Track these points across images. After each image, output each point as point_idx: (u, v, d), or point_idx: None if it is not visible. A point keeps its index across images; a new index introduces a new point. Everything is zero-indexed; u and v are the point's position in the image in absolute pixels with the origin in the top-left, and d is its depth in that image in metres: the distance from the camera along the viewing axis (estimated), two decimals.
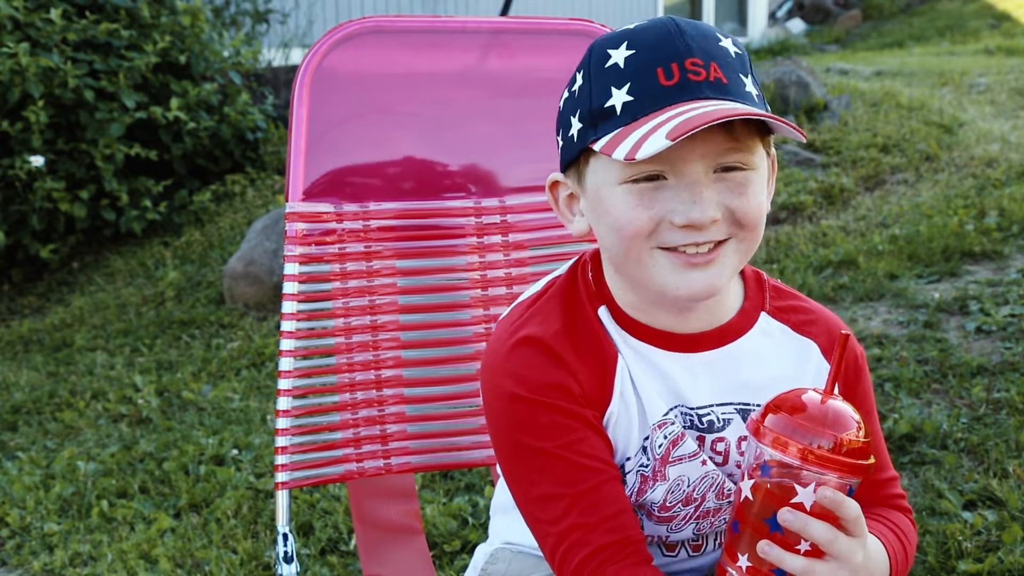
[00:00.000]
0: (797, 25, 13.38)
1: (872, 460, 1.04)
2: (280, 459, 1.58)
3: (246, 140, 6.13)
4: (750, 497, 1.05)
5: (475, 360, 1.67)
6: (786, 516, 1.02)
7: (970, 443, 2.74)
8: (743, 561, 1.05)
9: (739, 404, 1.23)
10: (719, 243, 1.12)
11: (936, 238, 4.15)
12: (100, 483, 3.17)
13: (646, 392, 1.20)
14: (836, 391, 1.08)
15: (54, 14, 5.12)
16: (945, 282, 3.87)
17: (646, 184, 1.11)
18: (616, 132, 1.09)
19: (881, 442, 1.31)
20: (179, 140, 5.67)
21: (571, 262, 1.29)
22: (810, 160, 5.33)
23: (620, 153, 1.06)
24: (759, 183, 1.13)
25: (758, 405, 1.22)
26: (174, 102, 5.43)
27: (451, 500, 2.84)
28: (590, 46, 1.17)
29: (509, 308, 1.28)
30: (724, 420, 1.23)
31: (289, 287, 1.59)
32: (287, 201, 1.60)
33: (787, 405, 1.05)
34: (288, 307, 1.59)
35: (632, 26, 1.14)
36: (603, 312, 1.22)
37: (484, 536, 1.77)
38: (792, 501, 1.02)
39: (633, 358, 1.21)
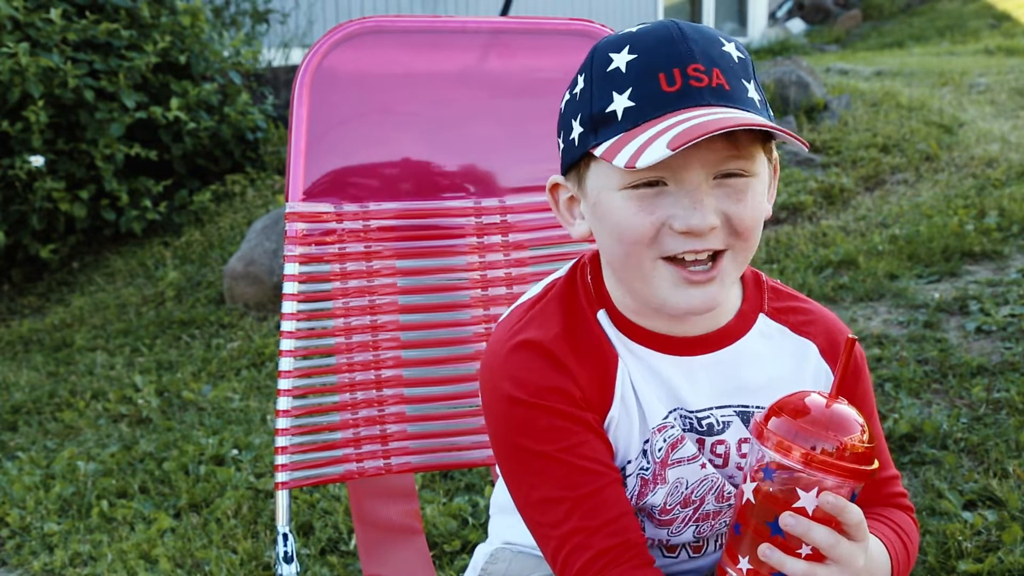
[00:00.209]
0: (797, 25, 13.38)
1: (876, 465, 1.04)
2: (280, 459, 1.58)
3: (246, 140, 6.13)
4: (752, 500, 1.05)
5: (475, 360, 1.67)
6: (788, 520, 1.01)
7: (970, 443, 2.74)
8: (744, 563, 1.05)
9: (738, 406, 1.23)
10: (718, 255, 1.12)
11: (936, 238, 4.15)
12: (100, 483, 3.17)
13: (646, 396, 1.20)
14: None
15: (54, 14, 5.12)
16: (945, 282, 3.87)
17: (646, 190, 1.10)
18: (617, 138, 1.08)
19: (882, 441, 1.31)
20: (179, 140, 5.67)
21: (570, 264, 1.29)
22: (810, 160, 5.33)
23: (621, 160, 1.05)
24: (759, 189, 1.13)
25: (758, 407, 1.21)
26: (174, 102, 5.43)
27: (451, 500, 2.84)
28: (592, 48, 1.16)
29: (508, 311, 1.27)
30: (724, 423, 1.23)
31: (289, 287, 1.59)
32: (287, 201, 1.60)
33: (791, 408, 1.04)
34: (288, 307, 1.59)
35: (635, 29, 1.14)
36: (602, 316, 1.22)
37: (484, 536, 1.77)
38: (794, 505, 1.02)
39: (632, 362, 1.20)
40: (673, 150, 1.01)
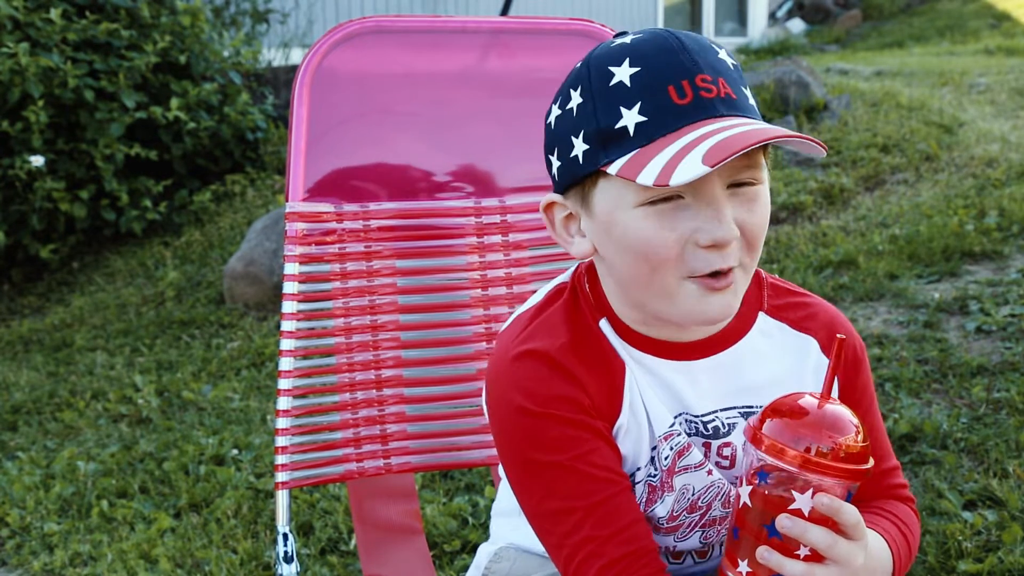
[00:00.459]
0: (797, 25, 13.38)
1: (871, 464, 1.03)
2: (280, 459, 1.58)
3: (246, 140, 6.13)
4: (748, 503, 1.05)
5: (475, 360, 1.67)
6: (784, 523, 1.01)
7: (970, 443, 2.74)
8: (743, 567, 1.05)
9: (743, 407, 1.23)
10: (732, 267, 1.12)
11: (936, 238, 4.15)
12: (100, 483, 3.17)
13: (652, 403, 1.20)
14: (835, 393, 1.07)
15: (54, 14, 5.12)
16: (945, 282, 3.87)
17: (665, 205, 1.08)
18: (633, 154, 1.06)
19: (883, 432, 1.31)
20: (179, 140, 5.68)
21: (570, 272, 1.27)
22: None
23: (647, 178, 1.03)
24: (765, 196, 1.13)
25: (761, 407, 1.22)
26: (174, 102, 5.44)
27: (451, 500, 2.84)
28: (586, 62, 1.14)
29: (509, 321, 1.26)
30: (729, 425, 1.23)
31: (289, 287, 1.59)
32: (287, 201, 1.60)
33: (784, 410, 1.04)
34: (288, 307, 1.59)
35: (628, 40, 1.12)
36: (604, 324, 1.21)
37: (484, 536, 1.77)
38: (790, 507, 1.01)
39: (638, 369, 1.20)
40: (712, 167, 0.99)
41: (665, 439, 1.20)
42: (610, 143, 1.09)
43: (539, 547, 1.23)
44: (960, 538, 2.32)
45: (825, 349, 1.26)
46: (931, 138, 5.41)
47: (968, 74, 7.37)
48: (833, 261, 4.15)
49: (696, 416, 1.22)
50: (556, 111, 1.16)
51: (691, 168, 1.01)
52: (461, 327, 1.67)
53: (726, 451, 1.23)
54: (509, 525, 1.43)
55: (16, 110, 5.19)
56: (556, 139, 1.16)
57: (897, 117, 5.82)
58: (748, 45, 11.76)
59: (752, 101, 1.12)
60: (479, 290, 1.68)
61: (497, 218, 1.69)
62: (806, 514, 1.01)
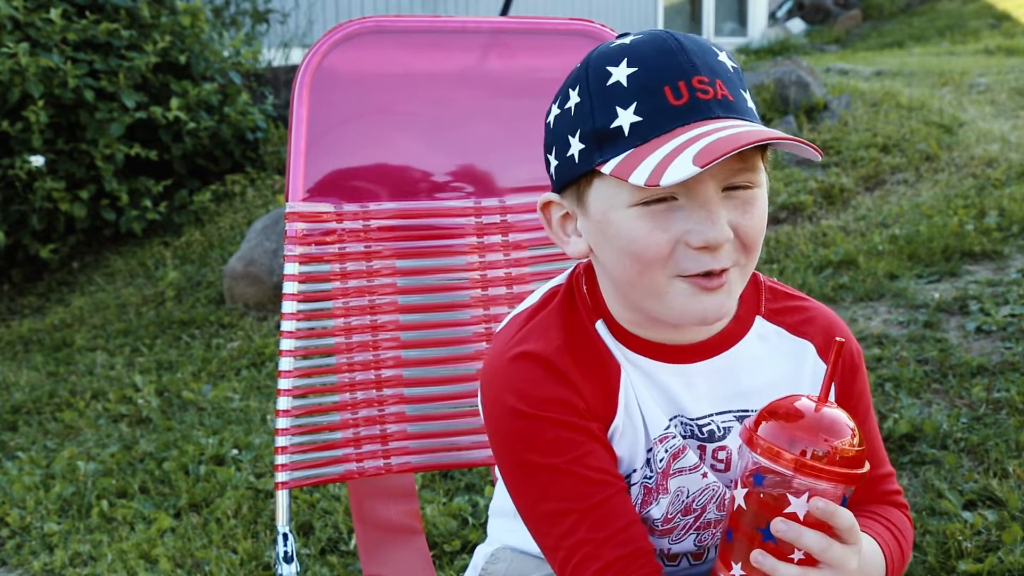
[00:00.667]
0: (797, 25, 13.39)
1: (866, 468, 1.03)
2: (280, 459, 1.58)
3: (246, 140, 6.13)
4: (743, 506, 1.04)
5: (475, 360, 1.67)
6: (779, 526, 1.01)
7: (970, 443, 2.74)
8: (737, 570, 1.05)
9: (738, 411, 1.23)
10: (725, 268, 1.11)
11: (936, 238, 4.15)
12: (100, 483, 3.17)
13: (647, 405, 1.20)
14: (832, 397, 1.07)
15: (54, 14, 5.12)
16: (945, 282, 3.87)
17: (658, 206, 1.09)
18: (627, 154, 1.07)
19: (878, 438, 1.31)
20: (179, 140, 5.68)
21: (567, 273, 1.27)
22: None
23: (639, 177, 1.03)
24: (762, 199, 1.12)
25: (757, 411, 1.22)
26: (174, 102, 5.44)
27: (451, 500, 2.84)
28: (584, 62, 1.14)
29: (505, 322, 1.26)
30: (724, 429, 1.23)
31: (289, 287, 1.59)
32: (287, 201, 1.60)
33: (780, 413, 1.04)
34: (288, 307, 1.59)
35: (627, 40, 1.12)
36: (600, 326, 1.21)
37: (484, 536, 1.77)
38: (785, 511, 1.01)
39: (633, 372, 1.20)
40: (702, 167, 0.99)
41: (660, 441, 1.20)
42: (605, 143, 1.09)
43: (535, 548, 1.23)
44: (960, 538, 2.32)
45: (822, 354, 1.25)
46: (931, 138, 5.41)
47: (968, 74, 7.37)
48: (833, 261, 4.15)
49: (691, 419, 1.22)
50: (555, 110, 1.17)
51: (681, 169, 1.01)
52: (461, 327, 1.67)
53: (721, 455, 1.23)
54: (505, 526, 1.43)
55: (16, 110, 5.19)
56: (554, 138, 1.16)
57: (897, 117, 5.82)
58: (748, 45, 11.76)
59: (751, 104, 1.12)
60: (479, 290, 1.68)
61: (497, 218, 1.69)
62: (801, 518, 1.01)
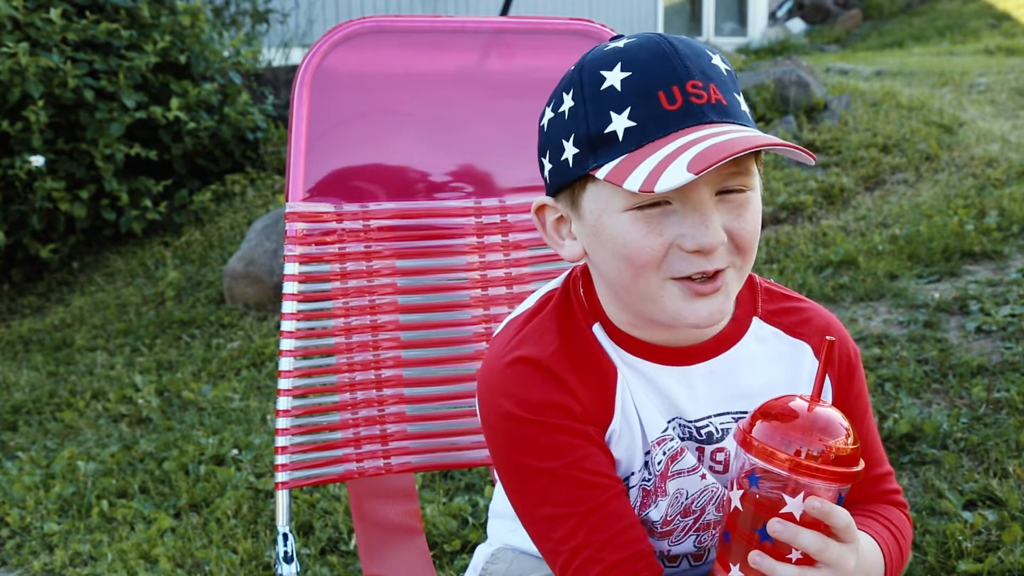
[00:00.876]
0: (797, 25, 13.39)
1: (862, 466, 1.03)
2: (280, 459, 1.58)
3: (246, 140, 6.14)
4: (739, 507, 1.04)
5: (475, 360, 1.67)
6: (775, 527, 1.01)
7: (970, 443, 2.74)
8: (735, 571, 1.05)
9: (736, 413, 1.23)
10: (720, 270, 1.11)
11: (936, 238, 4.15)
12: (100, 483, 3.17)
13: (645, 408, 1.20)
14: (828, 397, 1.07)
15: (54, 14, 5.12)
16: (945, 282, 3.87)
17: (652, 210, 1.09)
18: (621, 159, 1.07)
19: (876, 438, 1.31)
20: (179, 140, 5.68)
21: (563, 277, 1.27)
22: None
23: (634, 184, 1.03)
24: (756, 203, 1.12)
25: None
26: (174, 102, 5.44)
27: (451, 500, 2.84)
28: (579, 65, 1.14)
29: (502, 325, 1.26)
30: (722, 430, 1.23)
31: (289, 287, 1.59)
32: (287, 201, 1.60)
33: (774, 413, 1.04)
34: (288, 307, 1.59)
35: (621, 44, 1.12)
36: (597, 329, 1.21)
37: (484, 536, 1.77)
38: (781, 511, 1.01)
39: (630, 374, 1.20)
40: (697, 174, 0.99)
41: (658, 444, 1.20)
42: (599, 147, 1.09)
43: (536, 548, 1.23)
44: (960, 538, 2.32)
45: (819, 354, 1.24)
46: (931, 138, 5.41)
47: (968, 74, 7.37)
48: (833, 261, 4.15)
49: (689, 421, 1.22)
50: (549, 114, 1.17)
51: (676, 175, 1.01)
52: (461, 327, 1.67)
53: (720, 456, 1.23)
54: (505, 527, 1.43)
55: (16, 110, 5.19)
56: (548, 142, 1.16)
57: (897, 117, 5.82)
58: (748, 45, 11.76)
59: (744, 107, 1.12)
60: (479, 290, 1.68)
61: (497, 218, 1.69)
62: (797, 518, 1.01)
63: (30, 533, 2.97)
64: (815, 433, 1.01)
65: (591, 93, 1.10)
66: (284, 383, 1.58)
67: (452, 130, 1.67)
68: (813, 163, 1.09)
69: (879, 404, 2.99)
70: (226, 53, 6.10)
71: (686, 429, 1.22)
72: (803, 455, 1.00)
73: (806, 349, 1.25)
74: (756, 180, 1.13)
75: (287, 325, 1.59)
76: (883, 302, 3.77)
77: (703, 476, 1.22)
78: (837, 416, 1.04)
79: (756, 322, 1.25)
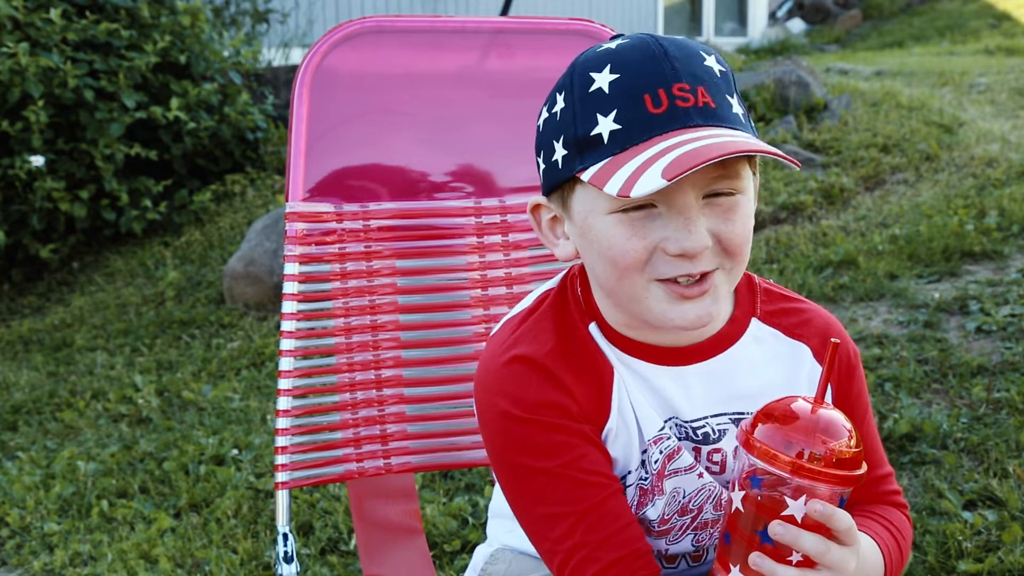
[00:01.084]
0: (797, 25, 13.39)
1: (864, 469, 1.03)
2: (280, 459, 1.58)
3: (246, 140, 6.13)
4: (741, 508, 1.04)
5: (475, 360, 1.67)
6: (777, 529, 1.01)
7: (970, 443, 2.74)
8: (735, 572, 1.04)
9: (734, 414, 1.23)
10: (707, 272, 1.11)
11: (936, 238, 4.15)
12: (100, 483, 3.17)
13: (641, 407, 1.19)
14: (828, 398, 1.06)
15: (54, 14, 5.12)
16: (945, 282, 3.87)
17: (636, 213, 1.09)
18: (605, 162, 1.07)
19: (876, 439, 1.31)
20: (179, 140, 5.68)
21: (560, 276, 1.27)
22: (810, 160, 5.33)
23: (613, 187, 1.04)
24: (746, 206, 1.12)
25: (753, 413, 1.21)
26: (174, 102, 5.44)
27: (451, 500, 2.84)
28: (571, 66, 1.14)
29: (499, 325, 1.26)
30: (719, 431, 1.22)
31: (289, 287, 1.59)
32: (287, 201, 1.60)
33: (777, 415, 1.03)
34: (288, 307, 1.59)
35: (614, 45, 1.12)
36: (593, 328, 1.21)
37: (484, 536, 1.78)
38: (783, 513, 1.01)
39: (627, 374, 1.20)
40: (670, 180, 0.99)
41: (655, 443, 1.20)
42: (586, 149, 1.09)
43: (535, 549, 1.23)
44: (960, 538, 2.32)
45: (818, 356, 1.24)
46: (931, 138, 5.41)
47: (968, 74, 7.37)
48: (833, 261, 4.15)
49: (686, 422, 1.21)
50: (544, 114, 1.17)
51: (651, 181, 1.01)
52: (461, 327, 1.67)
53: (716, 457, 1.23)
54: (504, 527, 1.43)
55: (16, 110, 5.19)
56: (542, 142, 1.17)
57: (897, 117, 5.82)
58: (748, 45, 11.76)
59: (738, 109, 1.10)
60: (479, 290, 1.68)
61: (497, 218, 1.69)
62: (799, 520, 1.00)
63: (30, 533, 2.97)
64: (817, 435, 1.01)
65: (580, 95, 1.10)
66: (284, 383, 1.58)
67: (452, 130, 1.67)
68: (798, 168, 1.09)
69: (879, 404, 2.99)
70: (226, 53, 6.10)
71: (682, 429, 1.22)
72: (805, 457, 1.00)
73: (805, 351, 1.25)
74: (747, 183, 1.12)
75: (287, 325, 1.59)
76: (883, 302, 3.77)
77: (700, 475, 1.22)
78: (840, 418, 1.03)
79: (755, 323, 1.24)
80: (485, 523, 2.63)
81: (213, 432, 3.46)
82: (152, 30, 5.57)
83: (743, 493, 1.04)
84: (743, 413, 1.22)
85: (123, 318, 4.87)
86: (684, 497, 1.22)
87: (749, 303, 1.25)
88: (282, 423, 1.58)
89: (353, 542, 2.69)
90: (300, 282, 1.60)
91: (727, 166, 1.07)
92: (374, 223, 1.63)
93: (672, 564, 1.29)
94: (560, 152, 1.12)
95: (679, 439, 1.21)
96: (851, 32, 12.90)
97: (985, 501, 2.50)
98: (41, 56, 5.04)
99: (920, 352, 3.29)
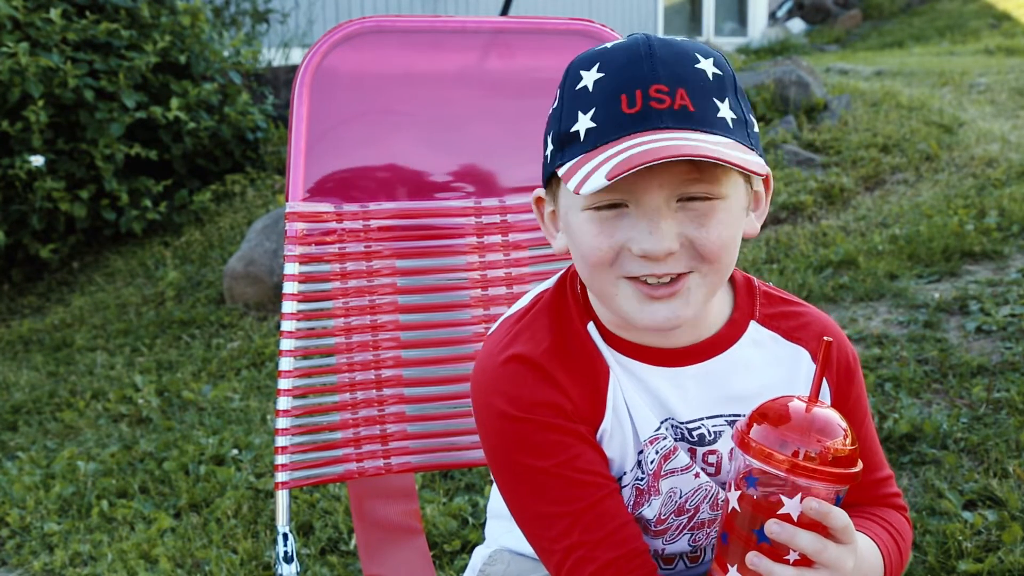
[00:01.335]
0: (797, 25, 13.39)
1: (860, 467, 1.03)
2: (280, 459, 1.58)
3: (246, 140, 6.13)
4: (737, 508, 1.04)
5: (475, 360, 1.67)
6: (773, 528, 1.01)
7: (970, 443, 2.74)
8: (733, 572, 1.05)
9: (730, 416, 1.22)
10: (681, 274, 1.10)
11: (936, 238, 4.15)
12: (100, 483, 3.17)
13: (637, 407, 1.19)
14: (827, 398, 1.06)
15: (54, 14, 5.12)
16: (945, 282, 3.87)
17: (608, 212, 1.09)
18: (577, 159, 1.07)
19: (876, 442, 1.30)
20: (179, 140, 5.68)
21: (558, 276, 1.28)
22: (810, 160, 5.33)
23: (572, 184, 1.05)
24: (726, 213, 1.09)
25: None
26: (174, 102, 5.44)
27: (451, 500, 2.84)
28: (569, 64, 1.15)
29: (496, 324, 1.26)
30: (715, 433, 1.22)
31: (289, 287, 1.59)
32: (287, 201, 1.60)
33: (772, 415, 1.03)
34: (288, 307, 1.59)
35: (609, 45, 1.12)
36: (591, 328, 1.21)
37: (484, 536, 1.78)
38: (779, 512, 1.01)
39: (622, 374, 1.20)
40: (610, 180, 1.00)
41: (651, 443, 1.20)
42: (566, 146, 1.11)
43: (532, 552, 1.23)
44: (960, 538, 2.32)
45: (816, 359, 1.24)
46: (931, 138, 5.41)
47: (968, 74, 7.37)
48: (833, 261, 4.15)
49: (681, 423, 1.21)
50: (549, 111, 1.19)
51: (598, 180, 1.01)
52: (461, 327, 1.67)
53: (711, 459, 1.23)
54: (502, 527, 1.43)
55: (16, 110, 5.19)
56: (545, 137, 1.19)
57: (897, 117, 5.82)
58: (748, 45, 11.76)
59: (725, 114, 1.08)
60: (479, 290, 1.68)
61: (497, 218, 1.69)
62: (795, 519, 1.01)
63: (30, 533, 2.97)
64: (813, 434, 1.01)
65: (568, 93, 1.12)
66: (284, 383, 1.58)
67: (452, 130, 1.67)
68: (762, 175, 1.07)
69: (879, 404, 2.99)
70: (226, 53, 6.10)
71: (678, 430, 1.22)
72: (801, 456, 1.00)
73: (804, 354, 1.25)
74: (729, 189, 1.10)
75: (287, 325, 1.59)
76: (883, 302, 3.77)
77: (697, 475, 1.22)
78: (835, 417, 1.03)
79: (753, 326, 1.24)
80: (484, 523, 2.63)
81: (213, 432, 3.46)
82: (152, 30, 5.57)
83: (739, 493, 1.04)
84: (739, 415, 1.22)
85: (123, 318, 4.87)
86: (680, 497, 1.22)
87: (748, 306, 1.25)
88: (282, 423, 1.58)
89: (353, 542, 2.69)
90: (300, 282, 1.60)
91: (701, 169, 1.06)
92: (374, 223, 1.63)
93: (670, 565, 1.29)
94: (549, 147, 1.15)
95: (675, 440, 1.21)
96: (851, 32, 12.90)
97: (985, 501, 2.50)
98: (41, 56, 5.04)
99: (920, 352, 3.29)
